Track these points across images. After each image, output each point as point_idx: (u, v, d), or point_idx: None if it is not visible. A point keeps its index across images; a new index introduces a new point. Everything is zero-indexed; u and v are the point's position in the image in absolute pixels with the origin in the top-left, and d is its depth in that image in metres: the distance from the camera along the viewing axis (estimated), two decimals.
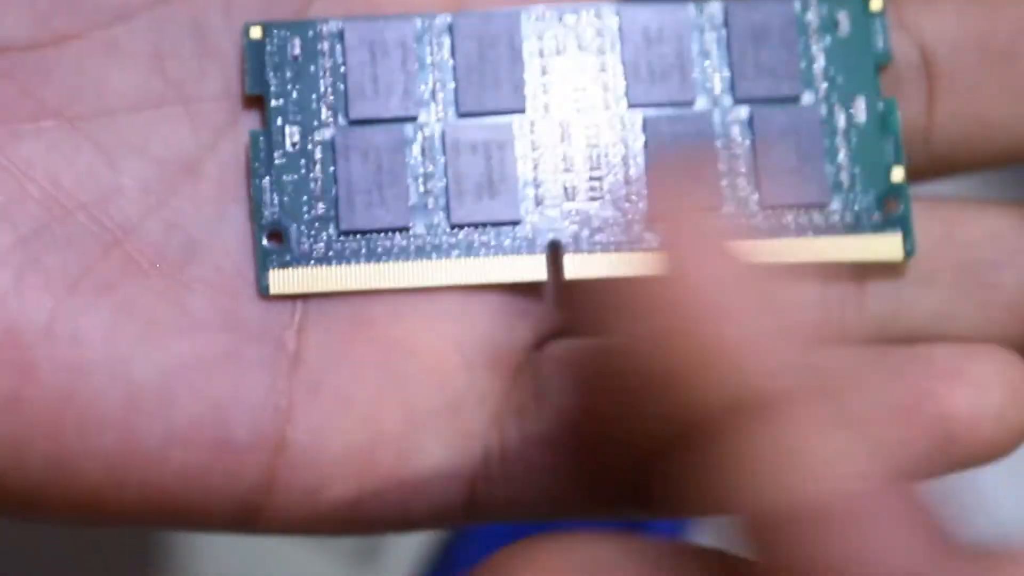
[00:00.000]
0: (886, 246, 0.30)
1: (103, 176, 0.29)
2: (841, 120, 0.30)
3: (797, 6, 0.30)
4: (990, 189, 0.40)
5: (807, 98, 0.30)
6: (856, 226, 0.30)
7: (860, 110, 0.30)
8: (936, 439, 0.29)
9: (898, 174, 0.30)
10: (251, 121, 0.30)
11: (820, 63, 0.30)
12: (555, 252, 0.29)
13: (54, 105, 0.29)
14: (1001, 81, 0.31)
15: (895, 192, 0.30)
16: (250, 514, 0.29)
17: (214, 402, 0.28)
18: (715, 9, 0.30)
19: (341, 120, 0.30)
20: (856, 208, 0.30)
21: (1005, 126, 0.31)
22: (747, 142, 0.30)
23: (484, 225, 0.29)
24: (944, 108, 0.31)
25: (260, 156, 0.29)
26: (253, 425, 0.28)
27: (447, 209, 0.29)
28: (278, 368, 0.29)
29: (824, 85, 0.30)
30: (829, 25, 0.30)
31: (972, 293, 0.31)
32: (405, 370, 0.29)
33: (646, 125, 0.30)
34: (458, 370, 0.29)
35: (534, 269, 0.30)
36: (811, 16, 0.30)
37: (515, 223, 0.30)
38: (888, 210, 0.30)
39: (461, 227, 0.29)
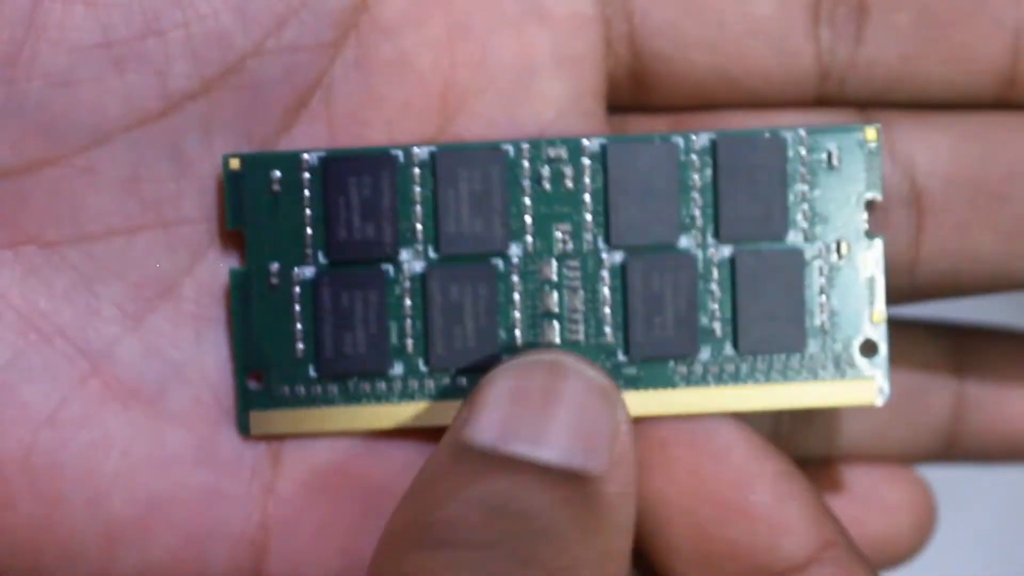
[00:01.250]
0: (862, 392, 0.30)
1: (80, 300, 0.29)
2: (825, 262, 0.30)
3: (789, 141, 0.30)
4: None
5: (792, 237, 0.30)
6: (833, 371, 0.30)
7: (844, 252, 0.30)
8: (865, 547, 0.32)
9: (878, 318, 0.30)
10: (228, 243, 0.29)
11: (807, 202, 0.30)
12: None
13: (31, 230, 0.28)
14: (992, 222, 0.31)
15: (872, 337, 0.30)
16: None
17: (191, 536, 0.29)
18: (704, 142, 0.30)
19: (321, 258, 0.29)
20: (833, 353, 0.30)
21: (992, 264, 0.31)
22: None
23: (464, 370, 0.30)
24: (932, 244, 0.31)
25: (240, 295, 0.29)
26: (230, 559, 0.29)
27: (426, 352, 0.29)
28: (255, 501, 0.29)
29: (809, 226, 0.30)
30: (819, 161, 0.30)
31: (903, 416, 0.34)
32: (382, 503, 0.29)
33: (627, 268, 0.30)
34: None
35: None
36: (803, 151, 0.30)
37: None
38: (865, 355, 0.30)
39: (440, 371, 0.30)
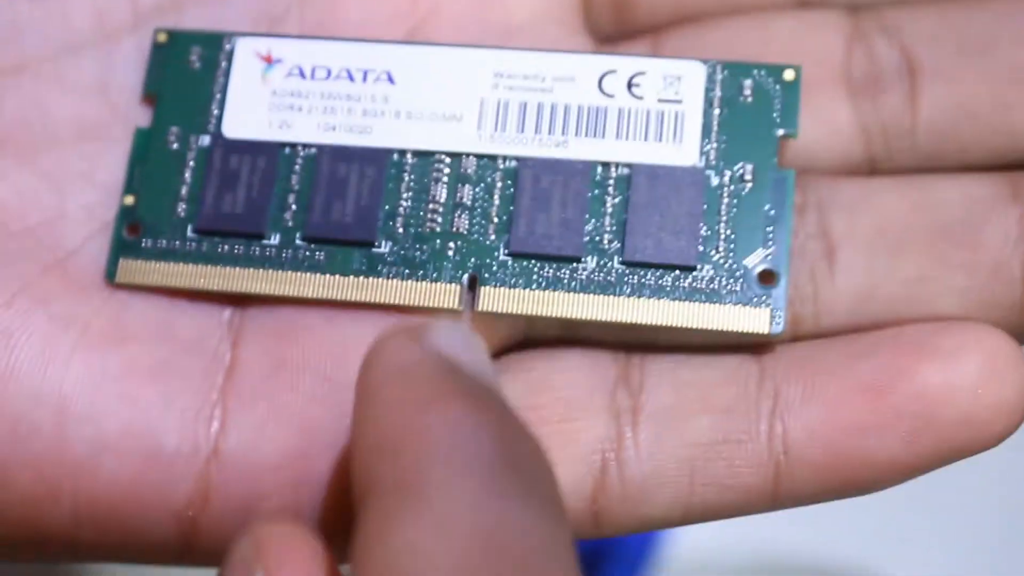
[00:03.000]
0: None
1: (48, 201, 0.29)
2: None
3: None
4: None
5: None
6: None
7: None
8: (912, 418, 0.27)
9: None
10: None
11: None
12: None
13: (2, 134, 0.29)
14: (982, 71, 0.29)
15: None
16: (187, 533, 0.28)
17: (145, 411, 0.28)
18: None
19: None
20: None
21: (991, 117, 0.29)
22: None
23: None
24: (928, 101, 0.29)
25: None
26: (185, 433, 0.28)
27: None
28: (211, 379, 0.28)
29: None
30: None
31: (951, 256, 0.28)
32: (340, 377, 0.28)
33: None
34: None
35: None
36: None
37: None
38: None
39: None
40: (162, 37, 0.30)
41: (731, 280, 0.28)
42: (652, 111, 0.29)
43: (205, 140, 0.30)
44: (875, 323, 0.28)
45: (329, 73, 0.30)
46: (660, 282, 0.28)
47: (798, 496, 0.28)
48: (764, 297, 0.28)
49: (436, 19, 0.30)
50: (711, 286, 0.28)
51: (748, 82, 0.29)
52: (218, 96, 0.30)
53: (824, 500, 0.28)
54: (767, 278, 0.28)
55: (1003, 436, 0.27)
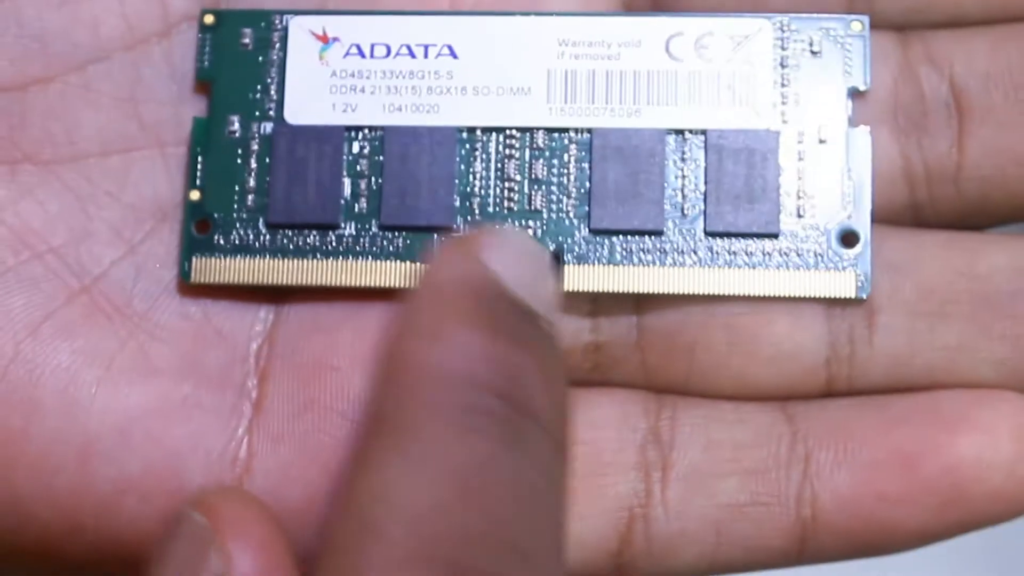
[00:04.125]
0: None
1: (75, 220, 0.28)
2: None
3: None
4: None
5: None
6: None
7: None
8: (943, 492, 0.27)
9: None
10: None
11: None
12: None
13: (28, 149, 0.28)
14: None
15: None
16: None
17: (170, 450, 0.27)
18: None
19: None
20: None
21: None
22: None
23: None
24: (975, 145, 0.29)
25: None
26: (210, 474, 0.27)
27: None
28: (239, 416, 0.28)
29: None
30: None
31: (992, 326, 0.28)
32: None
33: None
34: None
35: None
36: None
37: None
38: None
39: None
40: (209, 19, 0.29)
41: (814, 244, 0.28)
42: (723, 73, 0.29)
43: (267, 127, 0.29)
44: (910, 386, 0.28)
45: (389, 50, 0.29)
46: (745, 250, 0.28)
47: (821, 557, 0.28)
48: (848, 259, 0.28)
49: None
50: (795, 252, 0.28)
51: (816, 36, 0.29)
52: (276, 79, 0.29)
53: (846, 560, 0.28)
54: (849, 240, 0.28)
55: None
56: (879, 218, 0.29)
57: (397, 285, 0.28)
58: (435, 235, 0.28)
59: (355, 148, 0.29)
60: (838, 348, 0.28)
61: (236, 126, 0.29)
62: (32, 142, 0.28)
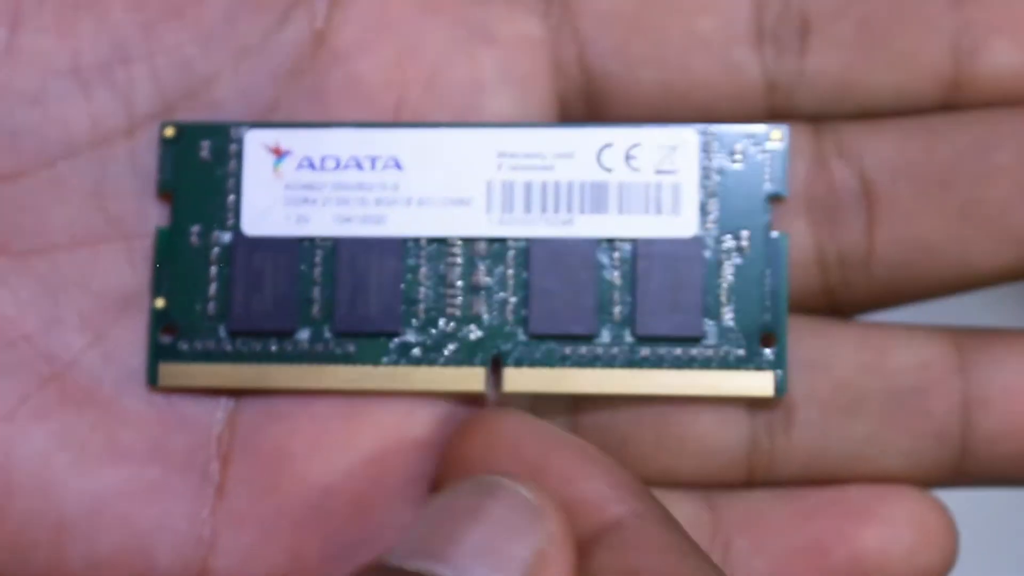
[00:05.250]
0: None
1: (44, 309, 0.30)
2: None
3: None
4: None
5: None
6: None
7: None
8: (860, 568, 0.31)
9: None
10: None
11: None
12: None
13: (0, 240, 0.30)
14: (939, 206, 0.31)
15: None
16: None
17: (139, 531, 0.30)
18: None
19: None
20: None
21: (945, 251, 0.31)
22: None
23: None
24: (884, 233, 0.31)
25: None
26: (176, 554, 0.30)
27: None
28: (203, 498, 0.30)
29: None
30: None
31: (901, 422, 0.31)
32: (326, 505, 0.30)
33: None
34: (377, 505, 0.30)
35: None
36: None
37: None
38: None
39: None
40: (170, 132, 0.31)
41: (735, 347, 0.30)
42: (651, 184, 0.31)
43: (226, 237, 0.31)
44: (825, 476, 0.31)
45: (338, 163, 0.31)
46: (672, 353, 0.30)
47: None
48: (767, 360, 0.30)
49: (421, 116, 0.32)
50: (717, 354, 0.30)
51: (738, 145, 0.31)
52: (233, 190, 0.31)
53: None
54: (768, 341, 0.30)
55: None
56: (795, 302, 0.31)
57: (350, 388, 0.30)
58: (384, 339, 0.30)
59: (309, 258, 0.31)
60: (759, 442, 0.31)
61: (196, 236, 0.31)
62: (3, 233, 0.30)
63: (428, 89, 0.31)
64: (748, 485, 0.31)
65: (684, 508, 0.31)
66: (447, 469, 0.29)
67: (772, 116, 0.32)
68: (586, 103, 0.32)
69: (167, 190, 0.31)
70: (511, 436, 0.28)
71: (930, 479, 0.31)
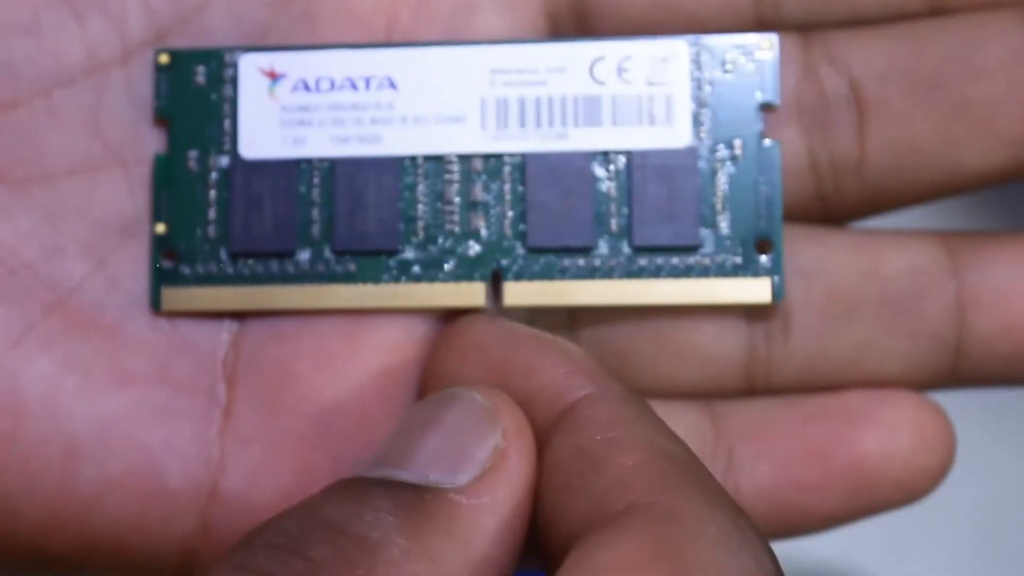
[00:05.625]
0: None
1: (45, 237, 0.30)
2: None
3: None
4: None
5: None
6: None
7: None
8: (851, 481, 0.31)
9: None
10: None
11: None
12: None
13: None
14: (929, 108, 0.31)
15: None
16: (188, 557, 0.30)
17: (148, 452, 0.30)
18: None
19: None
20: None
21: (935, 153, 0.31)
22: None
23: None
24: (875, 137, 0.31)
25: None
26: (186, 474, 0.30)
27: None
28: (210, 420, 0.30)
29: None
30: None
31: (897, 325, 0.31)
32: (332, 423, 0.30)
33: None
34: (382, 421, 0.30)
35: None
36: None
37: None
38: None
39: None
40: (164, 58, 0.31)
41: (731, 254, 0.31)
42: (643, 95, 0.31)
43: (223, 161, 0.31)
44: (823, 382, 0.32)
45: (333, 84, 0.31)
46: (669, 263, 0.31)
47: None
48: (763, 267, 0.31)
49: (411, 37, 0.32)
50: (714, 261, 0.31)
51: (729, 55, 0.31)
52: (229, 114, 0.31)
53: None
54: (763, 247, 0.31)
55: (927, 494, 0.32)
56: (789, 210, 0.31)
57: (352, 306, 0.31)
58: (384, 257, 0.31)
59: (307, 179, 0.31)
60: (757, 350, 0.31)
61: (194, 161, 0.31)
62: (1, 163, 0.30)
63: (418, 10, 0.32)
64: (748, 393, 0.32)
65: (686, 418, 0.32)
66: (426, 378, 0.30)
67: (760, 26, 0.32)
68: (575, 19, 0.32)
69: (163, 116, 0.31)
70: (479, 340, 0.29)
71: (927, 381, 0.32)
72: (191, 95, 0.31)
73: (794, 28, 0.32)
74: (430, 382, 0.30)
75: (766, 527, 0.31)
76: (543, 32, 0.32)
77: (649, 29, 0.32)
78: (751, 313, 0.31)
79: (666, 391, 0.32)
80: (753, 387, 0.32)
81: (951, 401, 0.32)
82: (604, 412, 0.27)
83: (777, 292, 0.31)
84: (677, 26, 0.32)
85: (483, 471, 0.26)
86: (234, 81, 0.31)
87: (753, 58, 0.31)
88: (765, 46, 0.31)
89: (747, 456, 0.31)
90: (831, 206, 0.32)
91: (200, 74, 0.31)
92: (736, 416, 0.32)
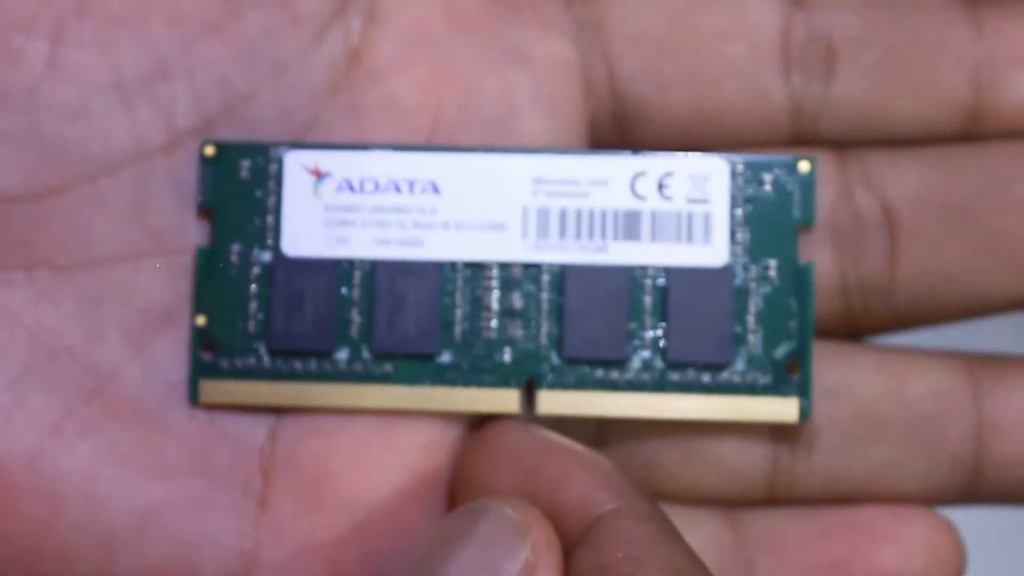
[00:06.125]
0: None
1: (87, 322, 0.31)
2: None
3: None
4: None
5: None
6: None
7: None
8: None
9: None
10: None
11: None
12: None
13: (43, 254, 0.31)
14: (962, 238, 0.32)
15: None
16: None
17: (185, 544, 0.30)
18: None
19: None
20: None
21: (965, 281, 0.32)
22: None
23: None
24: (906, 263, 0.32)
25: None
26: (221, 566, 0.30)
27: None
28: (246, 511, 0.31)
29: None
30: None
31: (918, 447, 0.33)
32: (365, 520, 0.31)
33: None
34: (414, 521, 0.31)
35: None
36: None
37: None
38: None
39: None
40: (210, 150, 0.32)
41: (762, 373, 0.31)
42: (683, 212, 0.31)
43: (266, 256, 0.31)
44: (843, 496, 0.33)
45: (377, 185, 0.32)
46: (700, 379, 0.31)
47: None
48: (792, 386, 0.31)
49: (455, 136, 0.32)
50: (744, 379, 0.31)
51: (767, 175, 0.32)
52: (272, 210, 0.32)
53: None
54: (794, 367, 0.31)
55: None
56: (817, 326, 0.32)
57: (388, 407, 0.31)
58: (421, 360, 0.31)
59: (348, 279, 0.31)
60: (780, 464, 0.32)
61: (237, 255, 0.32)
62: (48, 248, 0.31)
63: (462, 109, 0.32)
64: (768, 503, 0.33)
65: (708, 526, 0.32)
66: (456, 481, 0.31)
67: (797, 141, 0.33)
68: (616, 125, 0.33)
69: (207, 208, 0.31)
70: (511, 447, 0.30)
71: (943, 499, 0.33)
72: (235, 188, 0.32)
73: (829, 146, 0.33)
74: (461, 485, 0.30)
75: None
76: (584, 136, 0.33)
77: (687, 138, 0.32)
78: (777, 429, 0.32)
79: (689, 497, 0.32)
80: (775, 498, 0.33)
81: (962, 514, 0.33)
82: (627, 529, 0.28)
83: (805, 413, 0.31)
84: (715, 137, 0.32)
85: None
86: (279, 177, 0.32)
87: (792, 178, 0.32)
88: (804, 168, 0.32)
89: (767, 567, 0.32)
90: (858, 323, 0.33)
91: (245, 168, 0.32)
92: (757, 526, 0.33)
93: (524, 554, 0.28)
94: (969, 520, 0.34)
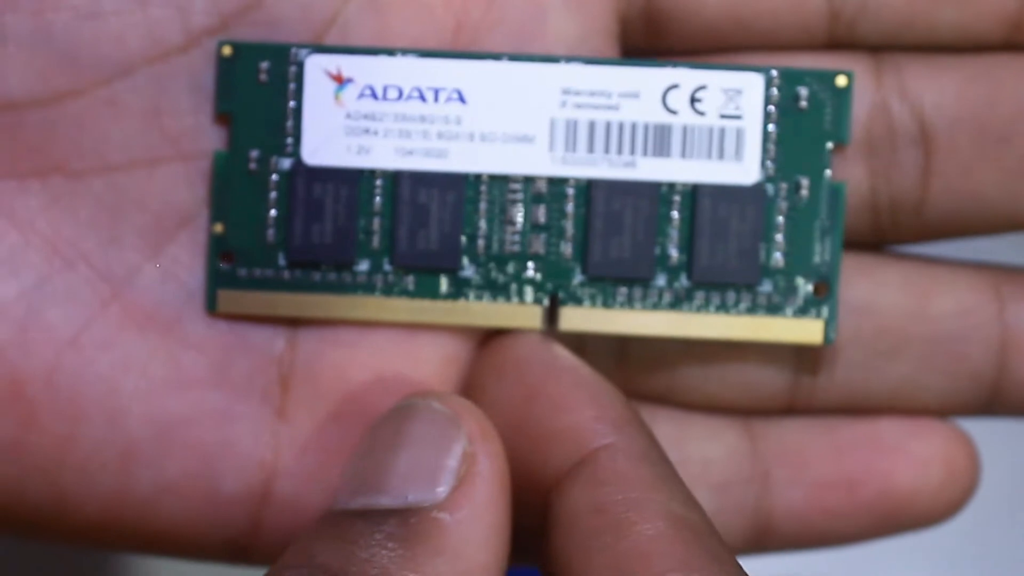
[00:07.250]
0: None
1: (103, 228, 0.30)
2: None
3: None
4: None
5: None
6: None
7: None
8: (879, 511, 0.33)
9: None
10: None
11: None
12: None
13: (57, 160, 0.30)
14: (996, 162, 0.31)
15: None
16: (237, 552, 0.31)
17: (204, 456, 0.30)
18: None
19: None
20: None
21: (997, 204, 0.32)
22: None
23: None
24: (939, 182, 0.32)
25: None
26: (240, 477, 0.30)
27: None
28: (264, 423, 0.30)
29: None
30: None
31: (939, 365, 0.32)
32: None
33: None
34: None
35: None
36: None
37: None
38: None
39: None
40: (227, 50, 0.30)
41: (788, 294, 0.31)
42: (714, 128, 0.31)
43: (285, 163, 0.31)
44: (862, 409, 0.33)
45: (401, 93, 0.31)
46: (724, 299, 0.31)
47: (769, 551, 0.33)
48: (817, 308, 0.31)
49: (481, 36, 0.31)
50: (770, 300, 0.31)
51: (803, 90, 0.31)
52: (292, 115, 0.31)
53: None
54: (820, 290, 0.31)
55: (947, 521, 0.33)
56: (844, 238, 0.32)
57: (408, 320, 0.31)
58: (443, 274, 0.31)
59: (369, 189, 0.31)
60: (801, 379, 0.32)
61: (255, 162, 0.31)
62: (62, 154, 0.30)
63: (488, 8, 0.31)
64: (787, 412, 0.33)
65: (726, 437, 0.32)
66: (466, 391, 0.31)
67: (833, 46, 0.32)
68: (648, 27, 0.32)
69: (224, 112, 0.30)
70: (518, 362, 0.30)
71: (961, 413, 0.33)
72: (254, 92, 0.31)
73: (867, 49, 0.32)
74: (468, 395, 0.30)
75: (794, 544, 0.32)
76: (614, 37, 0.31)
77: (720, 42, 0.31)
78: (800, 347, 0.32)
79: (708, 406, 0.32)
80: (793, 409, 0.32)
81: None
82: (625, 468, 0.27)
83: (829, 336, 0.31)
84: (749, 41, 0.31)
85: (458, 479, 0.27)
86: (299, 80, 0.30)
87: (828, 94, 0.31)
88: (841, 82, 0.31)
89: (782, 479, 0.32)
90: (885, 235, 0.32)
91: (264, 71, 0.31)
92: (774, 438, 0.33)
93: (460, 445, 0.28)
94: (985, 431, 0.34)
